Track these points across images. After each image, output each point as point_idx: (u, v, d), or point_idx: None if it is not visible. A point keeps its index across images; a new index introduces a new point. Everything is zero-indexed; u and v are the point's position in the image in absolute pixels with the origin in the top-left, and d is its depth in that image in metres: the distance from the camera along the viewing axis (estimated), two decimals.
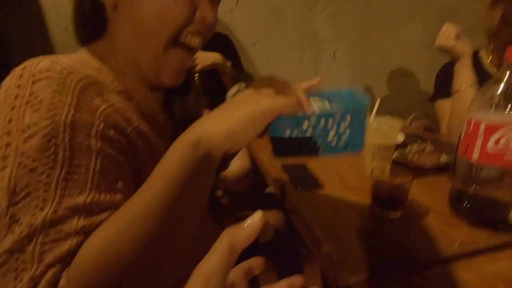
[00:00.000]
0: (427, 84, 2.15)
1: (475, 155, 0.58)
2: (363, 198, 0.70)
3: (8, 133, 0.33)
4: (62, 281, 0.30)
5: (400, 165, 0.84)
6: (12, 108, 0.34)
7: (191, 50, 0.47)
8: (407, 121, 1.68)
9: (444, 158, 0.88)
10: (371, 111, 0.81)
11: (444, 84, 1.20)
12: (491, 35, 1.13)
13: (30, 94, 0.34)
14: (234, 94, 0.80)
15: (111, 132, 0.38)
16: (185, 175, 0.34)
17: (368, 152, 0.81)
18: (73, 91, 0.36)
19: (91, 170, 0.35)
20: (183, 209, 0.35)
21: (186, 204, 0.35)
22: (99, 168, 0.35)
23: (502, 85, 0.55)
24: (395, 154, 0.87)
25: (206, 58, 1.29)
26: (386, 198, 0.65)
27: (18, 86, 0.35)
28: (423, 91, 2.14)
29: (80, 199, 0.33)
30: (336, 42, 1.91)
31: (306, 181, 0.79)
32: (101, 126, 0.37)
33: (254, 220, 0.24)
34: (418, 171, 0.81)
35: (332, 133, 0.47)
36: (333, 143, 0.48)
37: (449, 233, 0.58)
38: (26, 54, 1.35)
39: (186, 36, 0.44)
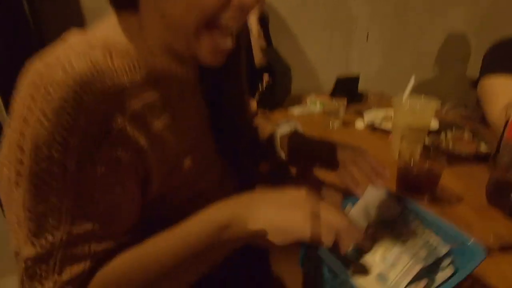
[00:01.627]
0: (470, 73, 1.98)
1: None
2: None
3: (21, 149, 0.33)
4: None
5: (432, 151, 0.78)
6: (24, 120, 0.33)
7: (228, 33, 0.41)
8: (443, 110, 1.56)
9: (484, 147, 0.80)
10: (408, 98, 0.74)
11: (497, 61, 1.02)
12: None
13: (40, 110, 0.32)
14: (281, 134, 0.63)
15: (115, 149, 0.37)
16: (203, 249, 0.37)
17: (396, 134, 0.74)
18: (80, 112, 0.33)
19: (95, 201, 0.36)
20: (191, 272, 0.39)
21: (193, 268, 0.39)
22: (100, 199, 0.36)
23: None
24: (427, 140, 0.80)
25: None
26: (414, 182, 0.59)
27: (32, 98, 0.33)
28: (464, 81, 1.97)
29: (86, 226, 0.35)
30: (370, 23, 1.79)
31: None
32: (106, 147, 0.35)
33: None
34: (453, 160, 0.74)
35: None
36: None
37: (484, 224, 0.52)
38: (56, 19, 1.36)
39: (222, 21, 0.39)
